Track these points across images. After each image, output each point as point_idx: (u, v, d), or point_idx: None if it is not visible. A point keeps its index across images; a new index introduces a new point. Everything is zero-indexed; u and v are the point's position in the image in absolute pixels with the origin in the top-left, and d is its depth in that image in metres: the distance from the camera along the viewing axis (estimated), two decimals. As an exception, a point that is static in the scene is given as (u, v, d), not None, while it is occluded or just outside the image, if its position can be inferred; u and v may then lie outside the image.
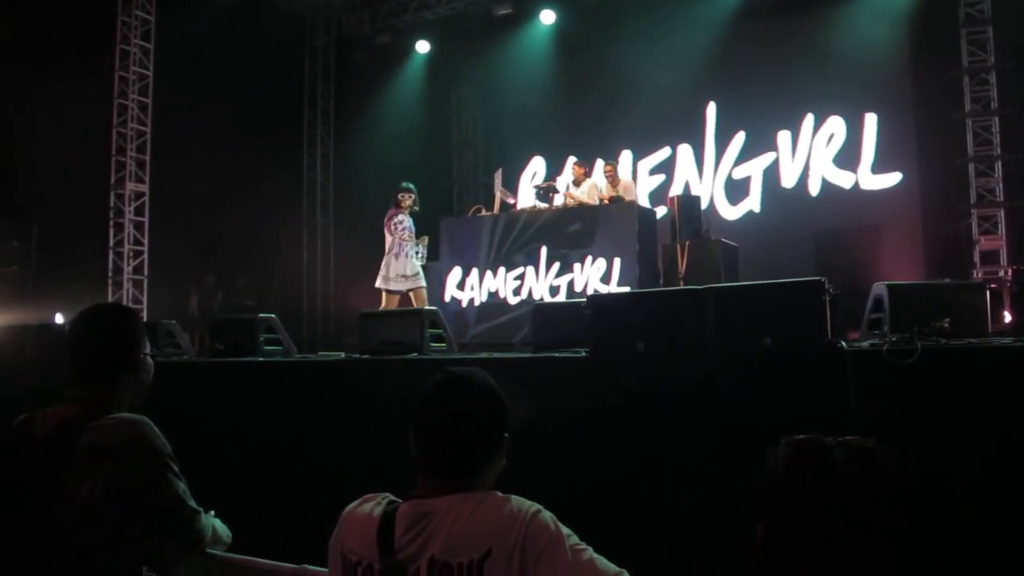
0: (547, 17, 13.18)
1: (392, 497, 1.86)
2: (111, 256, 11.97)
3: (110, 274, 11.93)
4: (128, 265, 11.97)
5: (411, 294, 8.88)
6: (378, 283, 8.99)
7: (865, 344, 3.82)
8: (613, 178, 10.11)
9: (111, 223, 12.01)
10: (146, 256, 12.12)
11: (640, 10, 12.36)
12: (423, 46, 14.56)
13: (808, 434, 1.43)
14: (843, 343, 3.65)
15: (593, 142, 12.39)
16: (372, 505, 1.84)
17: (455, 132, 15.92)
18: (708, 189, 12.38)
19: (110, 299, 11.77)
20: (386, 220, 9.11)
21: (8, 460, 2.06)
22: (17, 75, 9.90)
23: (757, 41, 12.08)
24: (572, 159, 11.13)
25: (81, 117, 11.09)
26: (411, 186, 9.30)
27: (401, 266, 8.90)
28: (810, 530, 1.34)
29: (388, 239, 9.02)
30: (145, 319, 11.60)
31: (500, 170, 10.91)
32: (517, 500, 1.76)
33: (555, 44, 13.56)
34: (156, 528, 2.03)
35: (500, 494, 1.78)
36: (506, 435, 1.90)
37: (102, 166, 11.90)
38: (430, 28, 14.33)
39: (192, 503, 2.12)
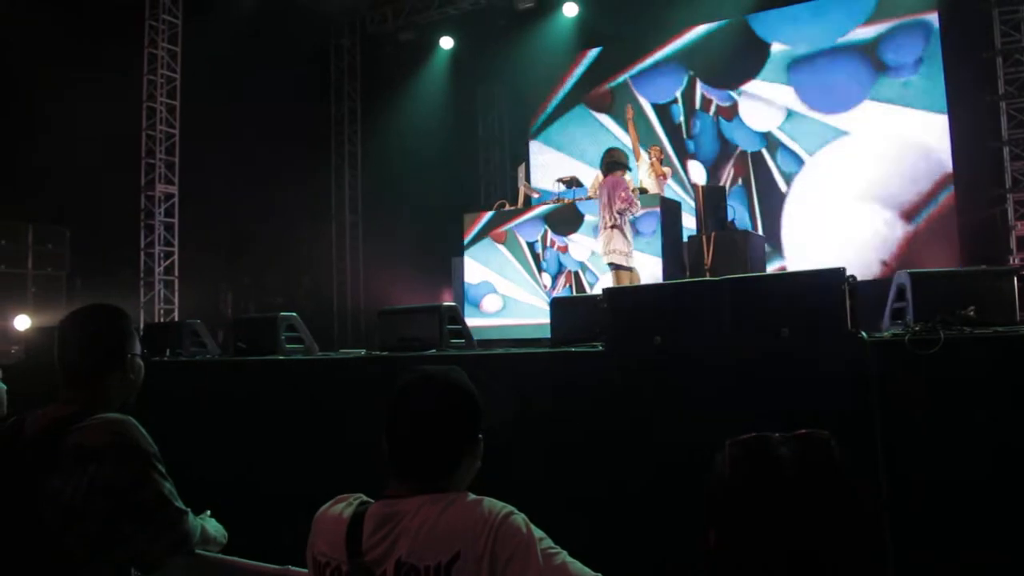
0: (570, 10, 13.12)
1: (364, 498, 1.83)
2: (142, 258, 12.11)
3: (141, 275, 12.07)
4: (159, 266, 12.10)
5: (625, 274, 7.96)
6: (621, 260, 7.99)
7: (887, 334, 3.73)
8: (657, 161, 9.93)
9: (142, 225, 12.14)
10: (176, 257, 12.25)
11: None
12: (447, 42, 14.58)
13: (757, 433, 1.39)
14: (863, 333, 3.56)
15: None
16: (343, 506, 1.81)
17: (481, 127, 15.93)
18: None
19: (142, 300, 11.94)
20: (613, 188, 7.94)
21: None
22: (47, 80, 10.03)
23: (777, 34, 11.94)
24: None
25: (111, 121, 11.24)
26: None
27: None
28: (760, 531, 1.30)
29: (611, 212, 7.94)
30: (176, 319, 11.77)
31: (523, 164, 10.87)
32: (489, 502, 1.71)
33: (578, 37, 13.51)
34: (142, 528, 2.03)
35: (472, 496, 1.73)
36: (480, 436, 1.85)
37: (132, 169, 12.05)
38: (453, 24, 14.35)
39: (179, 503, 2.11)
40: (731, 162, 12.32)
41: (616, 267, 8.04)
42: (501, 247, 9.96)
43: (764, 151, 12.08)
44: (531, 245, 9.75)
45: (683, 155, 12.73)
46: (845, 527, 1.30)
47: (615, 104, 13.06)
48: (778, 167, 11.93)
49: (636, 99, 13.06)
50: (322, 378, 4.81)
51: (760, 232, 10.87)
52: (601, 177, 8.75)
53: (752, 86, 12.16)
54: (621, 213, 7.95)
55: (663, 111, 12.97)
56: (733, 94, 12.32)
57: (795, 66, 11.82)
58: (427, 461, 1.78)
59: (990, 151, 10.82)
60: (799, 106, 11.80)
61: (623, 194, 7.92)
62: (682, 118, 12.82)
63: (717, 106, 12.49)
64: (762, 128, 12.05)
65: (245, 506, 3.60)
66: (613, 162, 8.18)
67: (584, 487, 3.74)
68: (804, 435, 1.36)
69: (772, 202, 11.93)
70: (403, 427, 1.79)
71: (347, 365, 4.88)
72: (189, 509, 2.15)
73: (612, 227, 7.93)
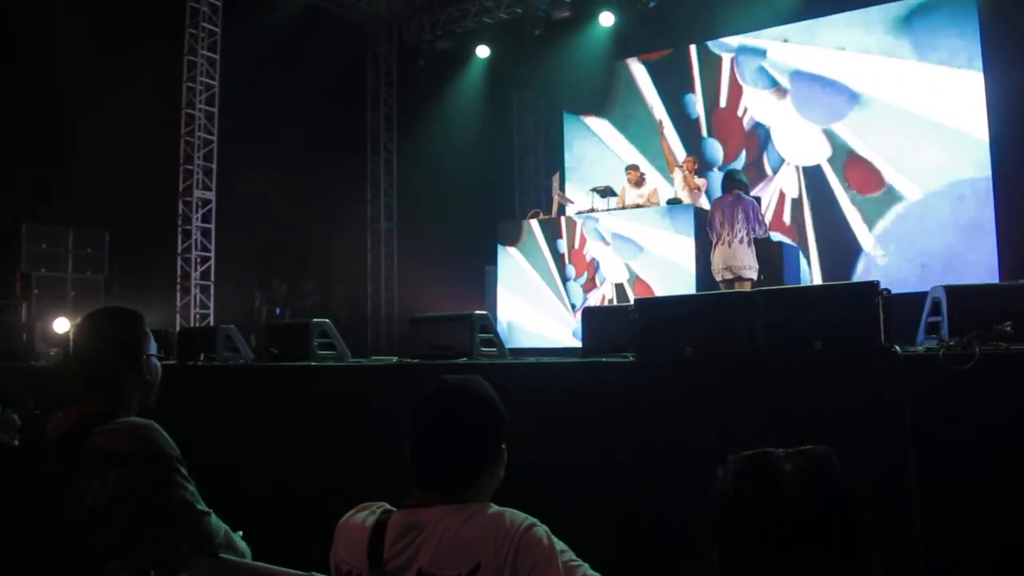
0: (606, 19, 13.11)
1: (387, 506, 1.83)
2: (179, 262, 12.27)
3: (178, 280, 12.23)
4: (196, 271, 12.25)
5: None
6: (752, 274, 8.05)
7: (921, 349, 3.69)
8: (692, 171, 9.94)
9: (179, 230, 12.31)
10: (213, 262, 12.41)
11: (698, 10, 12.26)
12: (483, 51, 14.63)
13: (760, 448, 1.39)
14: (897, 347, 3.52)
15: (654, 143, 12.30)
16: (366, 514, 1.81)
17: (516, 136, 15.95)
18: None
19: (179, 305, 12.10)
20: (744, 206, 8.07)
21: (19, 463, 2.10)
22: (88, 86, 10.22)
23: (817, 40, 11.83)
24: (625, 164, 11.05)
25: (150, 127, 11.44)
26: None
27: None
28: (765, 547, 1.29)
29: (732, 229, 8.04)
30: (211, 324, 11.91)
31: (558, 174, 10.88)
32: (511, 513, 1.71)
33: (614, 46, 13.49)
34: (166, 531, 2.05)
35: (494, 507, 1.73)
36: (503, 446, 1.85)
37: (171, 174, 12.23)
38: (490, 33, 14.40)
39: (201, 505, 2.13)
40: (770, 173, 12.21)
41: (741, 280, 8.00)
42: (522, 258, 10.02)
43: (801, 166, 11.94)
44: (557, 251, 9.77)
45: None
46: (842, 545, 1.29)
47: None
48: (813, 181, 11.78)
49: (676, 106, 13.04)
50: (353, 384, 4.84)
51: (795, 243, 10.76)
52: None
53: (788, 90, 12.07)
54: (762, 235, 8.12)
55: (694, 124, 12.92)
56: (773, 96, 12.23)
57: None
58: (450, 471, 1.78)
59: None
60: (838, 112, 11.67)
61: (761, 216, 8.13)
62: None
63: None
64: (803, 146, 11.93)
65: (274, 510, 3.64)
66: (736, 181, 8.28)
67: (611, 498, 3.72)
68: (806, 451, 1.36)
69: (799, 211, 11.79)
70: (427, 436, 1.80)
71: (379, 372, 4.91)
72: (211, 510, 2.17)
73: (742, 242, 7.98)
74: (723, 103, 12.60)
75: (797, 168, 11.76)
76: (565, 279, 9.79)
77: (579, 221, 9.84)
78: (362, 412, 4.52)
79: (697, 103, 12.91)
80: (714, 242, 8.12)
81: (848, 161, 11.27)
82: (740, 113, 12.43)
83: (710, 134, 12.71)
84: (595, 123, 13.92)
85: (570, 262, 9.75)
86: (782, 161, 11.86)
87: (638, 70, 13.57)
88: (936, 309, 3.89)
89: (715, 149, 12.63)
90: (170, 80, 12.12)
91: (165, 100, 12.07)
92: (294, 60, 12.29)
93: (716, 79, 12.64)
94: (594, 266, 9.57)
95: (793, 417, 3.55)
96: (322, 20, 13.84)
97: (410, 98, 15.62)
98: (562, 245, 9.83)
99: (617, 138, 13.56)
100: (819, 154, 11.50)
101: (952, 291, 3.80)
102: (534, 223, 10.18)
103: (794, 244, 9.29)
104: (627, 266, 9.30)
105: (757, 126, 12.20)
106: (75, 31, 10.15)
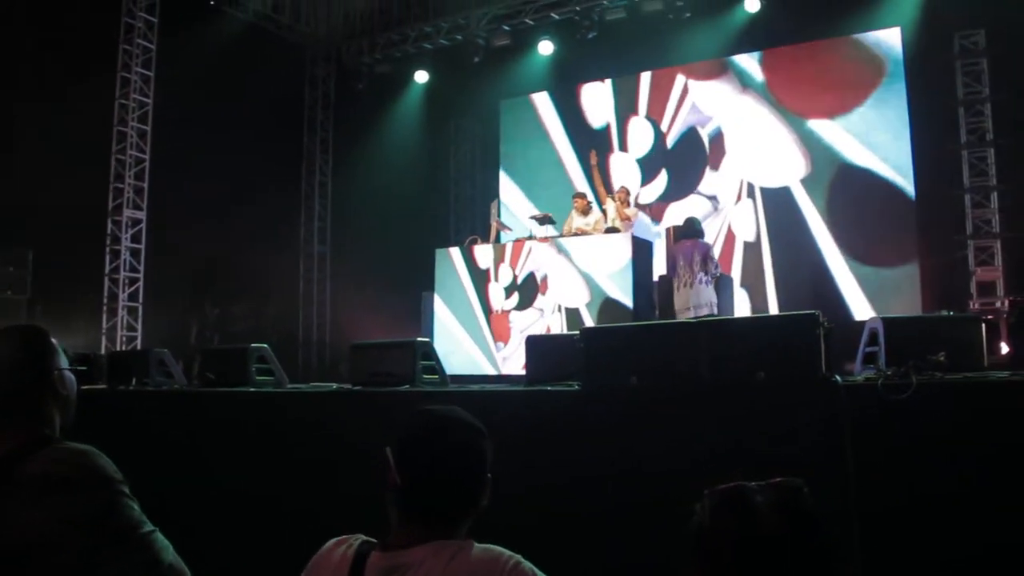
0: (545, 48, 13.26)
1: (364, 538, 1.78)
2: (106, 283, 11.95)
3: (105, 301, 11.91)
4: (124, 292, 11.95)
5: None
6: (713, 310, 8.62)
7: (860, 378, 3.78)
8: (624, 202, 10.10)
9: (107, 250, 12.00)
10: (142, 284, 12.11)
11: (637, 40, 12.48)
12: (422, 76, 14.66)
13: (733, 482, 1.46)
14: (838, 377, 3.61)
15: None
16: (344, 548, 1.76)
17: (453, 162, 15.96)
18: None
19: (105, 327, 11.77)
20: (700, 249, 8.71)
21: None
22: (16, 100, 9.94)
23: (759, 70, 12.17)
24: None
25: (80, 144, 11.14)
26: None
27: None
28: (743, 573, 1.36)
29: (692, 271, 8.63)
30: (139, 347, 11.60)
31: (497, 201, 10.92)
32: (496, 550, 1.68)
33: (553, 75, 13.65)
34: (119, 552, 1.99)
35: (477, 544, 1.70)
36: (489, 476, 1.81)
37: (100, 193, 11.91)
38: (429, 58, 14.45)
39: (148, 525, 2.08)
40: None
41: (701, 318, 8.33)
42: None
43: (733, 193, 12.23)
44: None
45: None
46: (815, 567, 1.37)
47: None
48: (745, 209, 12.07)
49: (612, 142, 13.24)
50: (295, 411, 4.76)
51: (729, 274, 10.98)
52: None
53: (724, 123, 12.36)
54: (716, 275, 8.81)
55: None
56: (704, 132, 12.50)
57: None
58: (441, 505, 1.73)
59: (954, 199, 11.09)
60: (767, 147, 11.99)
61: (714, 257, 8.90)
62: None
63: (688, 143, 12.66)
64: (731, 169, 12.23)
65: (214, 540, 3.55)
66: (694, 229, 8.99)
67: (555, 528, 3.72)
68: (777, 484, 1.43)
69: (733, 243, 12.08)
70: (417, 470, 1.73)
71: (322, 399, 4.84)
72: (156, 528, 2.11)
73: (700, 282, 8.61)
74: (664, 129, 12.84)
75: (751, 192, 12.08)
76: (497, 308, 9.77)
77: (515, 247, 9.86)
78: (306, 439, 4.45)
79: (635, 130, 13.12)
80: (676, 284, 8.69)
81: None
82: (680, 138, 12.69)
83: (648, 158, 12.93)
84: (533, 150, 14.02)
85: (507, 289, 9.74)
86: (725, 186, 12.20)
87: (578, 97, 13.74)
88: (873, 339, 4.00)
89: (657, 174, 12.85)
90: (102, 97, 11.84)
91: (97, 117, 11.78)
92: (231, 79, 12.13)
93: (661, 106, 12.88)
94: (531, 293, 9.58)
95: (737, 446, 3.60)
96: (261, 40, 13.72)
97: (347, 121, 15.53)
98: (500, 272, 9.83)
99: (555, 167, 13.68)
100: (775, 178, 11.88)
101: (889, 322, 3.92)
102: (476, 249, 10.16)
103: (727, 275, 9.50)
104: (564, 294, 9.34)
105: (699, 151, 12.47)
106: (4, 44, 9.88)
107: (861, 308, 10.85)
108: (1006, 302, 10.29)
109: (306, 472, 4.30)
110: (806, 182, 11.71)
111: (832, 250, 11.31)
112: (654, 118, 12.97)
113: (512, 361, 9.36)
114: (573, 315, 9.24)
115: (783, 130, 11.89)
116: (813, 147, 11.70)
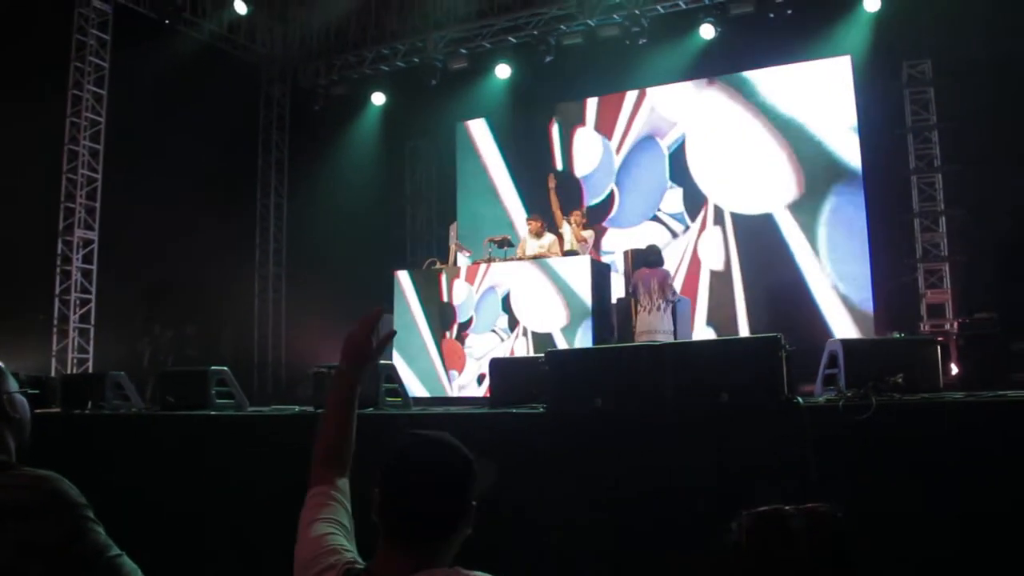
0: (503, 71, 13.34)
1: (348, 562, 1.77)
2: (57, 304, 11.70)
3: (55, 322, 11.65)
4: (75, 314, 11.71)
5: None
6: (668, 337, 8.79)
7: (821, 400, 3.86)
8: (580, 224, 10.15)
9: (58, 270, 11.76)
10: (93, 305, 11.88)
11: (594, 66, 12.63)
12: (378, 98, 14.62)
13: (771, 504, 1.48)
14: (799, 399, 3.68)
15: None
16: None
17: (408, 184, 15.91)
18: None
19: (55, 348, 11.52)
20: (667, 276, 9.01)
21: None
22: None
23: (711, 100, 12.36)
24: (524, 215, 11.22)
25: (30, 163, 10.94)
26: None
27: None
28: None
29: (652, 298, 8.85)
30: (91, 370, 11.37)
31: (455, 223, 10.92)
32: None
33: (510, 98, 13.72)
34: None
35: (464, 571, 1.70)
36: (474, 503, 1.81)
37: (50, 212, 11.69)
38: (386, 80, 14.43)
39: (115, 548, 2.04)
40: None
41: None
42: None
43: (686, 217, 12.37)
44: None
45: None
46: None
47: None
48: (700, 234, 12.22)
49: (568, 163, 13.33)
50: (259, 433, 4.70)
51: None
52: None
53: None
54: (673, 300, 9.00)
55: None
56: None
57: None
58: (426, 531, 1.73)
59: (903, 223, 11.37)
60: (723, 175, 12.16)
61: (672, 284, 9.08)
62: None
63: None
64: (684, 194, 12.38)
65: (178, 566, 3.48)
66: (654, 258, 9.13)
67: (527, 549, 3.72)
68: (812, 509, 1.46)
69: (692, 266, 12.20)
70: (403, 495, 1.73)
71: (284, 422, 4.79)
72: (124, 552, 2.08)
73: (659, 308, 8.80)
74: (623, 153, 12.95)
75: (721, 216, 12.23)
76: (451, 333, 9.75)
77: (474, 270, 9.86)
78: (270, 463, 4.39)
79: (590, 155, 13.23)
80: (637, 309, 8.87)
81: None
82: (640, 161, 12.82)
83: (610, 182, 13.04)
84: (490, 173, 14.06)
85: (464, 312, 9.73)
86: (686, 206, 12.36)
87: (533, 121, 13.82)
88: (833, 362, 4.08)
89: (618, 198, 12.95)
90: (53, 114, 11.64)
91: (48, 135, 11.58)
92: (185, 99, 11.98)
93: (623, 130, 12.99)
94: (490, 316, 9.58)
95: (702, 466, 3.64)
96: (215, 59, 13.59)
97: (303, 142, 15.44)
98: (457, 294, 9.81)
99: (511, 190, 13.73)
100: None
101: (848, 345, 4.00)
102: (440, 272, 10.14)
103: (685, 297, 9.61)
104: (527, 317, 9.34)
105: (658, 173, 12.61)
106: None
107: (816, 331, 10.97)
108: (955, 324, 10.53)
109: (271, 497, 4.24)
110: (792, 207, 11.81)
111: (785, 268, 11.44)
112: (604, 134, 13.09)
113: (468, 390, 9.35)
114: (543, 339, 9.24)
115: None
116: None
